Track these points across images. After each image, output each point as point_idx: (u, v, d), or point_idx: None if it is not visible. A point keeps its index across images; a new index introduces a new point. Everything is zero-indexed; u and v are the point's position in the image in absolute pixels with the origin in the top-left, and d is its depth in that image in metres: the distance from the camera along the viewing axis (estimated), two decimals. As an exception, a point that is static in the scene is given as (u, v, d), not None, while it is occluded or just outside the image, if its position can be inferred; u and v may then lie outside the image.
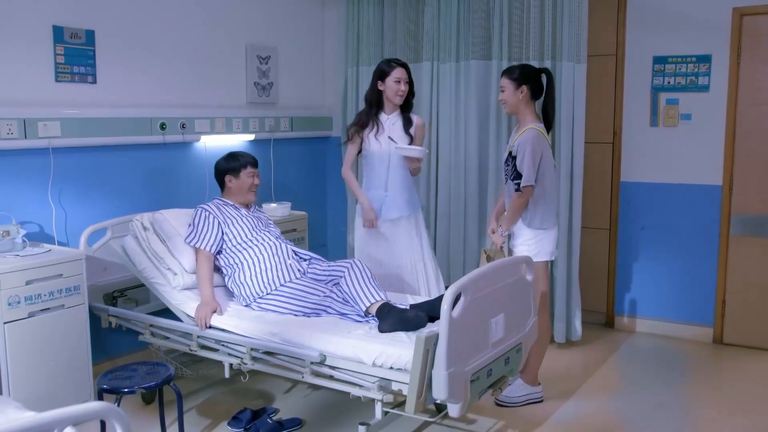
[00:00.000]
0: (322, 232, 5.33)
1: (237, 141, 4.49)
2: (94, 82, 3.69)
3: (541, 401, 3.51)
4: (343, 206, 5.06)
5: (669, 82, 4.39)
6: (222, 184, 3.60)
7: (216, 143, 4.32)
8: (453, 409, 2.60)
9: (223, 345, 3.22)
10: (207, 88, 4.32)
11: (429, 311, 2.97)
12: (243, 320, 3.20)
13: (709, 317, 4.43)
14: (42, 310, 3.05)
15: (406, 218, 3.79)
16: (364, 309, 3.10)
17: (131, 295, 3.78)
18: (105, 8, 3.72)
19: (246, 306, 3.34)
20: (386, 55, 4.64)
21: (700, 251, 4.41)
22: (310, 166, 5.21)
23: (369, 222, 3.73)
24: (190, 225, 3.46)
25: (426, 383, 2.54)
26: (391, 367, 2.72)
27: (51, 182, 3.52)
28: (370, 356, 2.75)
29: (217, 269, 3.48)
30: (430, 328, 2.85)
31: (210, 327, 3.23)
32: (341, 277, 3.26)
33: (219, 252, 3.44)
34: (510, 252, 3.54)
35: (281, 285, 3.29)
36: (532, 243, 3.36)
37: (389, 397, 2.78)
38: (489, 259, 3.35)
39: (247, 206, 3.62)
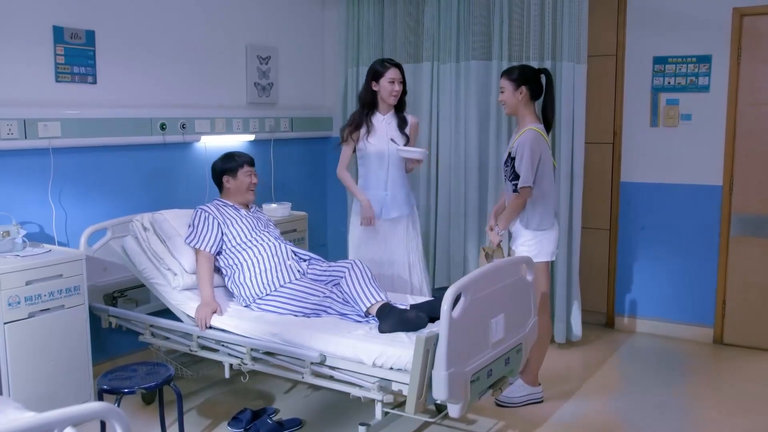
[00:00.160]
0: (322, 232, 5.33)
1: (237, 141, 4.49)
2: (95, 82, 3.69)
3: (542, 401, 3.51)
4: (343, 206, 5.06)
5: (669, 83, 4.39)
6: (220, 186, 3.60)
7: (216, 143, 4.32)
8: (453, 410, 2.60)
9: (223, 345, 3.22)
10: (207, 88, 4.32)
11: (429, 312, 2.97)
12: (243, 321, 3.20)
13: (710, 317, 4.43)
14: (42, 310, 3.05)
15: (406, 217, 3.80)
16: (364, 309, 3.10)
17: (131, 295, 3.78)
18: (105, 8, 3.72)
19: (246, 306, 3.34)
20: (386, 56, 4.64)
21: (700, 251, 4.40)
22: (311, 166, 5.21)
23: (367, 219, 3.72)
24: (189, 226, 3.46)
25: (426, 384, 2.54)
26: (392, 368, 2.71)
27: (51, 182, 3.52)
28: (370, 356, 2.75)
29: (217, 270, 3.48)
30: (430, 328, 2.85)
31: (210, 327, 3.23)
32: (341, 277, 3.26)
33: (219, 253, 3.44)
34: (511, 253, 3.54)
35: (281, 286, 3.29)
36: (531, 244, 3.36)
37: (389, 398, 2.77)
38: (487, 256, 3.37)
39: (247, 206, 3.62)
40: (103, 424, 2.78)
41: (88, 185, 3.72)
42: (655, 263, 4.55)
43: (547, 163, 3.35)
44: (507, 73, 3.39)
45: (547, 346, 3.57)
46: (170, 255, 3.46)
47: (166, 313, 3.51)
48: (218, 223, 3.43)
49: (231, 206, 3.55)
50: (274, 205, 4.43)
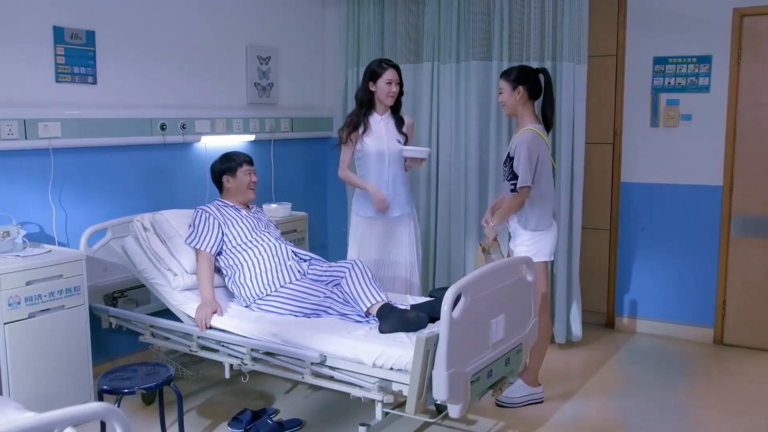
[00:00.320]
0: (323, 232, 5.33)
1: (237, 141, 4.49)
2: (95, 82, 3.69)
3: (542, 402, 3.51)
4: (344, 206, 5.05)
5: (669, 83, 4.39)
6: (220, 186, 3.60)
7: (216, 144, 4.32)
8: (453, 410, 2.60)
9: (223, 345, 3.22)
10: (207, 88, 4.32)
11: (430, 312, 2.97)
12: (243, 321, 3.20)
13: (710, 318, 4.43)
14: (42, 310, 3.05)
15: (407, 216, 3.80)
16: (364, 310, 3.10)
17: (131, 295, 3.78)
18: (105, 9, 3.72)
19: (246, 307, 3.34)
20: (386, 56, 4.64)
21: (700, 252, 4.40)
22: (311, 166, 5.21)
23: (380, 202, 3.62)
24: (190, 226, 3.46)
25: (426, 384, 2.54)
26: (392, 368, 2.71)
27: (51, 183, 3.52)
28: (371, 357, 2.75)
29: (218, 270, 3.48)
30: (430, 328, 2.85)
31: (210, 328, 3.23)
32: (342, 277, 3.26)
33: (219, 253, 3.44)
34: (510, 253, 3.54)
35: (281, 286, 3.29)
36: (530, 244, 3.36)
37: (389, 398, 2.77)
38: (484, 251, 3.38)
39: (248, 207, 3.62)
40: (103, 425, 2.78)
41: (88, 185, 3.72)
42: (656, 263, 4.55)
43: (546, 163, 3.35)
44: (505, 74, 3.41)
45: (547, 346, 3.57)
46: (170, 255, 3.47)
47: (167, 313, 3.51)
48: (219, 224, 3.43)
49: (231, 206, 3.55)
50: (274, 206, 4.43)
